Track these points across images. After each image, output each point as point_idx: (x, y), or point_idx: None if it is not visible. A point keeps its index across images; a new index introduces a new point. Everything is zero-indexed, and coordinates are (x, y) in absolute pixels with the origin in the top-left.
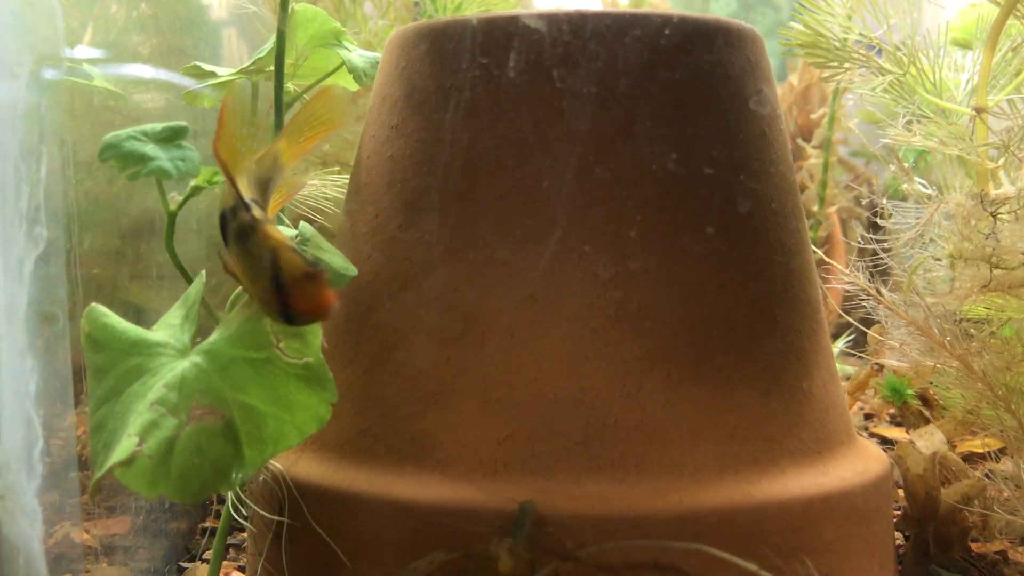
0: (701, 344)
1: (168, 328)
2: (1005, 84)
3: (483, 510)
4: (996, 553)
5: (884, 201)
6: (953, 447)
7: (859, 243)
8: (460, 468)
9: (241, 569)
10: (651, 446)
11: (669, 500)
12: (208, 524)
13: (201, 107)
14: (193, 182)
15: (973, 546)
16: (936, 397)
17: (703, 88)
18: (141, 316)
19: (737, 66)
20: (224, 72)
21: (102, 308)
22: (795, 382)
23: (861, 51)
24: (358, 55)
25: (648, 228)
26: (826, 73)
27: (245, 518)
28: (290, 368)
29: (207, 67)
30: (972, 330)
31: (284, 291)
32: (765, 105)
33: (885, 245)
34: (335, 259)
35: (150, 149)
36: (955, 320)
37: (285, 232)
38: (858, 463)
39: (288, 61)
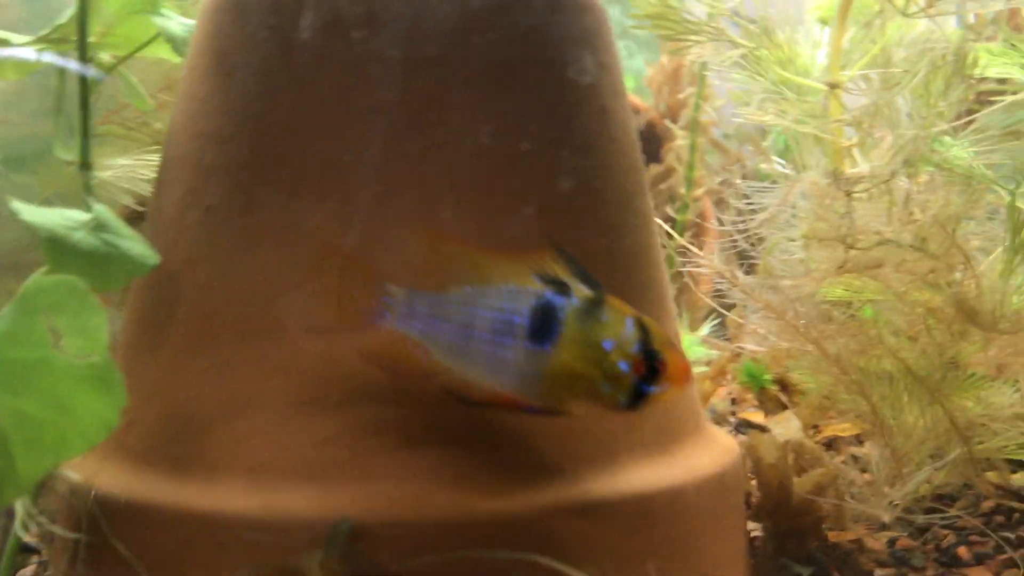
0: None
1: None
2: (859, 60)
3: (295, 521)
4: (851, 541)
5: (739, 182)
6: (819, 430)
7: (722, 226)
8: (273, 475)
9: None
10: (480, 446)
11: (498, 503)
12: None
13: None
14: None
15: (830, 535)
16: (796, 382)
17: (520, 54)
18: None
19: (559, 32)
20: (20, 40)
21: None
22: None
23: (714, 24)
24: (178, 23)
25: (462, 210)
26: (676, 46)
27: (42, 535)
28: (72, 369)
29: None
30: (835, 313)
31: (654, 357)
32: (586, 75)
33: (741, 227)
34: (134, 246)
35: None
36: (816, 303)
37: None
38: (705, 455)
39: (98, 29)
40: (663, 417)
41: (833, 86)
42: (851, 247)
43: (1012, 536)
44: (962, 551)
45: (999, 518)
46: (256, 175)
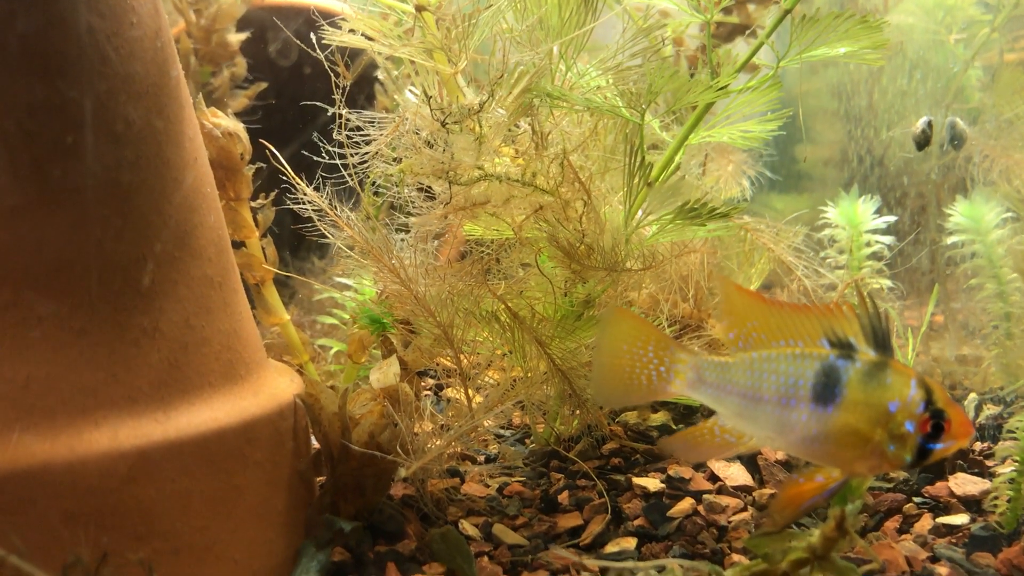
0: None
1: None
2: None
3: None
4: (446, 490)
5: (344, 111)
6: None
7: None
8: None
9: None
10: None
11: None
12: None
13: None
14: None
15: (400, 487)
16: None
17: None
18: None
19: None
20: None
21: None
22: (127, 319)
23: None
24: None
25: None
26: None
27: None
28: None
29: None
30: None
31: (940, 416)
32: None
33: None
34: None
35: None
36: (426, 243)
37: None
38: (222, 406)
39: None
40: (168, 367)
41: (420, 8)
42: (454, 182)
43: (623, 479)
44: (564, 497)
45: (616, 460)
46: None
